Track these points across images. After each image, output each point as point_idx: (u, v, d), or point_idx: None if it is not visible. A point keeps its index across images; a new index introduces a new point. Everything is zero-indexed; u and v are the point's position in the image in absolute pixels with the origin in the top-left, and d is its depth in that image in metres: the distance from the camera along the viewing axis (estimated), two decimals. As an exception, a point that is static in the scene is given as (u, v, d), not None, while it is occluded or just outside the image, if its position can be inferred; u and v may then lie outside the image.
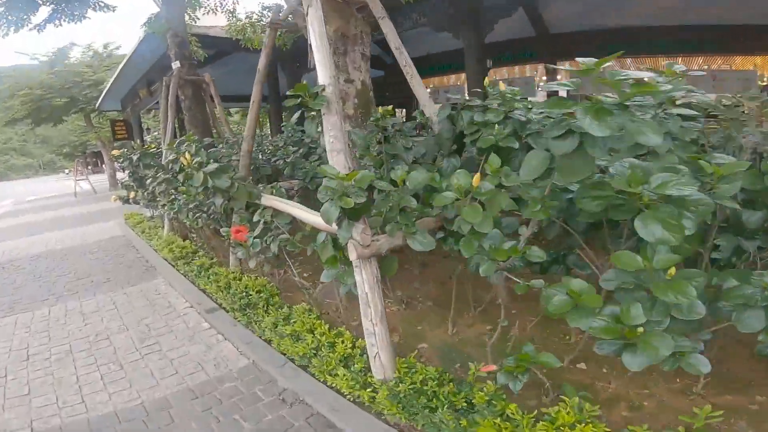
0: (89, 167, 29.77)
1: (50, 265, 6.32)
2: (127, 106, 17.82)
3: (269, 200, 3.24)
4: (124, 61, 11.88)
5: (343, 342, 2.69)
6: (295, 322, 2.96)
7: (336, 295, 3.95)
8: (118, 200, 7.97)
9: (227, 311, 3.80)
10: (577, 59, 1.56)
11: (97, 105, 17.68)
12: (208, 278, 4.23)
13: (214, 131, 7.56)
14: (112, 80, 13.61)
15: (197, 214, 4.77)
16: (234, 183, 3.31)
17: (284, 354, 3.01)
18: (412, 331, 3.36)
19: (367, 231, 2.06)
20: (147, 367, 3.13)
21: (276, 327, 3.02)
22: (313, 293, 3.82)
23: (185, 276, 4.87)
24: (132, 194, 7.23)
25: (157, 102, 15.47)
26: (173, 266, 5.30)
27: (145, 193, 6.99)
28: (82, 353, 3.44)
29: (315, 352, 2.69)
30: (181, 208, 4.98)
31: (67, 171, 41.61)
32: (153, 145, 6.98)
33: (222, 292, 3.84)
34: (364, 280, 2.19)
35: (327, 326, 2.87)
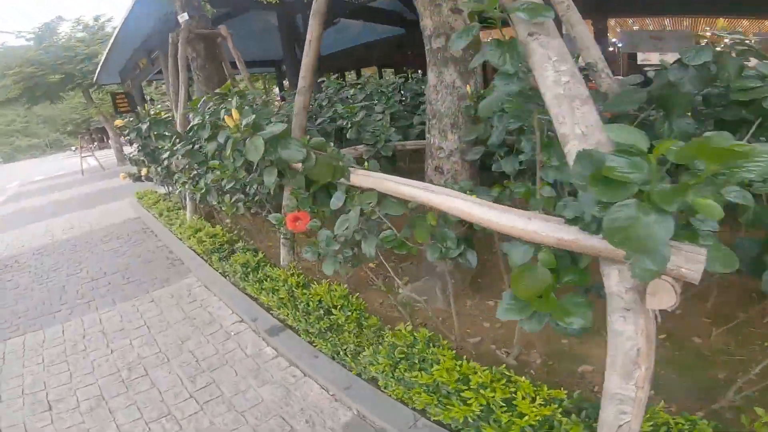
0: (95, 143, 28.49)
1: (58, 261, 5.26)
2: (126, 78, 16.28)
3: (367, 179, 2.11)
4: (118, 27, 10.29)
5: (522, 396, 1.65)
6: (429, 365, 1.89)
7: (437, 296, 2.94)
8: (127, 178, 6.83)
9: (296, 331, 2.76)
10: None
11: (94, 79, 16.17)
12: (261, 285, 3.14)
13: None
14: (107, 51, 12.12)
15: (234, 197, 3.66)
16: (310, 154, 2.17)
17: (404, 402, 2.00)
18: (556, 347, 2.34)
19: (702, 254, 0.96)
20: (213, 426, 2.11)
21: (396, 370, 1.97)
22: (399, 295, 2.79)
23: (225, 276, 3.81)
24: (144, 171, 6.09)
25: (159, 72, 13.98)
26: (206, 261, 4.24)
27: (160, 169, 5.87)
28: (118, 399, 2.42)
29: (482, 414, 1.65)
30: (209, 188, 3.87)
31: (73, 148, 40.54)
32: (162, 113, 5.77)
33: (286, 307, 2.78)
34: (641, 329, 1.11)
35: (485, 371, 1.80)
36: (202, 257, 4.36)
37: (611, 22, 10.77)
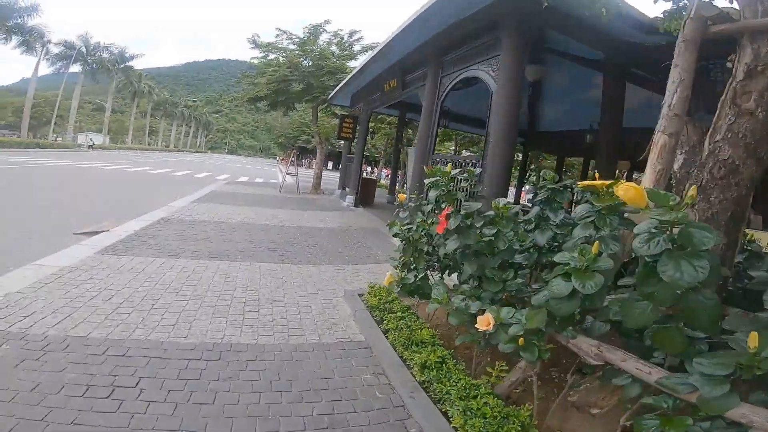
0: (301, 160, 29.58)
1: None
2: (358, 102, 14.48)
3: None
4: (399, 29, 7.54)
5: None
6: None
7: None
8: (393, 282, 3.39)
9: None
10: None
11: (329, 96, 14.82)
12: None
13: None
14: (367, 59, 9.91)
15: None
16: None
17: None
18: None
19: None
20: None
21: None
22: None
23: None
24: (466, 303, 2.35)
25: (392, 105, 11.37)
26: None
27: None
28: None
29: None
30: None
31: (277, 158, 44.09)
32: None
33: None
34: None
35: None
36: None
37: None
